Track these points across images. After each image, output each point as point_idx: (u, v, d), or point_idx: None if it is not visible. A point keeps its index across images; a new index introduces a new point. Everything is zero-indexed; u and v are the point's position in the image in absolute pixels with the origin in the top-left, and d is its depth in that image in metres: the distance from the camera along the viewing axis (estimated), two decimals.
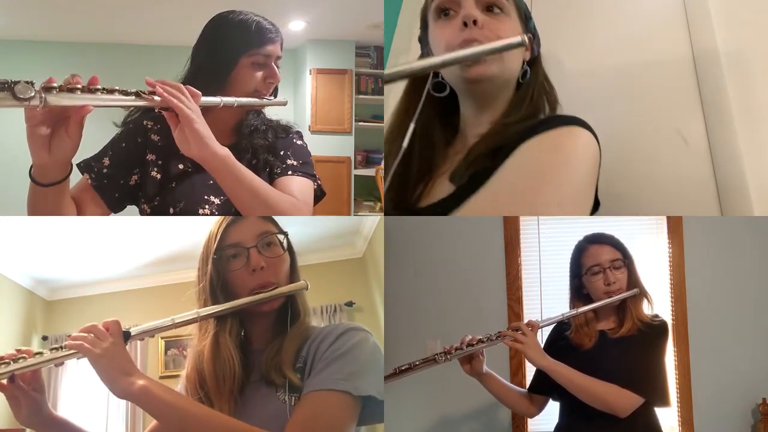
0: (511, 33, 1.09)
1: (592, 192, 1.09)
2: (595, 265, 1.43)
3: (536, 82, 1.19)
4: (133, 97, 1.04)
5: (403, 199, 1.18)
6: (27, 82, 0.90)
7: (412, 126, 1.10)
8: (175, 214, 1.25)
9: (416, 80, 1.21)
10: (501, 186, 1.04)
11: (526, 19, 1.19)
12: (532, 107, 1.16)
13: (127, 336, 0.93)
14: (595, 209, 1.15)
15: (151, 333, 0.97)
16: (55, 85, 0.94)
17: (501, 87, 1.17)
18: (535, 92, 1.18)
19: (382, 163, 2.51)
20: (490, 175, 1.06)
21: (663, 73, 1.57)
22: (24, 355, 0.90)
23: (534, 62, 1.20)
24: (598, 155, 1.08)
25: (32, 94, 0.91)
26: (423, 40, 1.25)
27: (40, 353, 0.91)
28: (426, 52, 1.25)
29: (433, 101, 1.19)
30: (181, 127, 1.07)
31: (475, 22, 1.10)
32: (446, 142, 1.23)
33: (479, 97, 1.18)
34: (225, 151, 1.11)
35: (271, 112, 1.39)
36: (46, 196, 1.11)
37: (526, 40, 1.05)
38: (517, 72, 1.17)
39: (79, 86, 0.97)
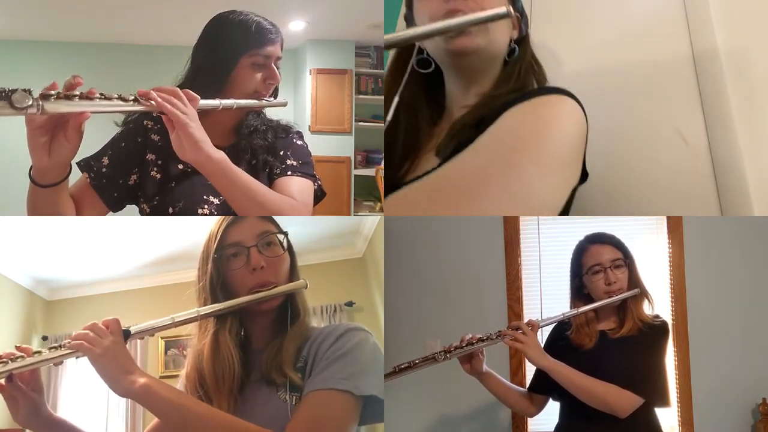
0: (496, 5, 1.07)
1: (577, 161, 1.06)
2: (596, 264, 1.43)
3: (524, 60, 1.18)
4: (132, 103, 1.04)
5: (390, 175, 1.16)
6: (25, 90, 0.90)
7: (396, 99, 1.09)
8: (174, 214, 1.25)
9: (401, 57, 1.21)
10: (478, 152, 1.01)
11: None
12: (520, 83, 1.15)
13: (127, 334, 0.93)
14: (583, 180, 1.12)
15: (151, 332, 0.97)
16: (53, 92, 0.94)
17: (487, 61, 1.15)
18: (522, 69, 1.17)
19: (382, 163, 2.51)
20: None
21: (663, 73, 1.57)
22: (22, 354, 0.90)
23: (522, 41, 1.19)
24: (584, 124, 1.06)
25: (30, 103, 0.91)
26: (408, 17, 1.23)
27: (39, 352, 0.91)
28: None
29: (419, 79, 1.18)
30: (176, 131, 1.07)
31: None
32: (431, 121, 1.22)
33: (465, 71, 1.16)
34: (220, 155, 1.10)
35: (272, 113, 1.38)
36: (45, 196, 1.12)
37: (512, 12, 1.05)
38: (503, 48, 1.15)
39: (77, 93, 0.97)
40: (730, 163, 1.40)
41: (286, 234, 1.09)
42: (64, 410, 3.40)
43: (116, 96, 1.02)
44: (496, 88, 1.15)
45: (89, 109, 0.99)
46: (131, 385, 0.87)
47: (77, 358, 0.91)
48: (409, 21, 1.23)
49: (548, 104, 1.04)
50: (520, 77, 1.15)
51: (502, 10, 1.03)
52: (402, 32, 1.07)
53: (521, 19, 1.19)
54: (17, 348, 0.91)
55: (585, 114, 1.06)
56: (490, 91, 1.15)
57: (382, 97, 1.33)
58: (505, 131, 1.01)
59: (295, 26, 4.10)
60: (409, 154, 1.18)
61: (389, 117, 1.09)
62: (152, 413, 0.91)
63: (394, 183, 1.14)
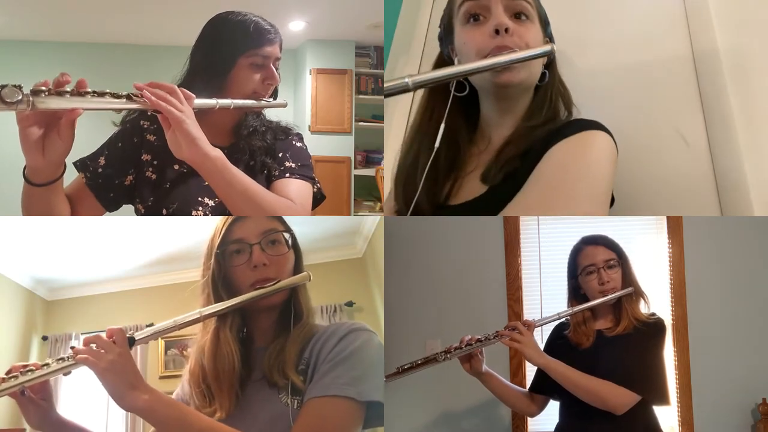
0: (536, 39, 1.19)
1: (611, 190, 1.15)
2: (590, 265, 1.45)
3: (553, 85, 1.26)
4: (124, 100, 1.03)
5: (433, 197, 1.24)
6: (15, 86, 0.90)
7: (443, 126, 1.19)
8: (168, 215, 1.25)
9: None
10: (536, 189, 1.09)
11: (545, 25, 1.26)
12: (552, 110, 1.23)
13: (131, 342, 0.93)
14: (611, 205, 1.21)
15: (154, 336, 0.97)
16: (44, 88, 0.94)
17: (524, 91, 1.23)
18: (553, 94, 1.24)
19: (382, 162, 2.51)
20: (520, 175, 1.13)
21: (663, 73, 1.57)
22: (32, 367, 0.92)
23: (550, 65, 1.25)
24: (616, 156, 1.16)
25: (19, 98, 0.90)
26: (445, 39, 1.30)
27: (47, 364, 0.92)
28: (446, 51, 1.30)
29: (454, 101, 1.23)
30: (172, 129, 1.06)
31: (507, 30, 1.15)
32: (470, 141, 1.30)
33: (503, 99, 1.24)
34: (217, 153, 1.09)
35: (272, 114, 1.38)
36: (40, 195, 1.11)
37: (555, 50, 1.15)
38: (538, 76, 1.23)
39: (68, 90, 0.96)
40: (730, 163, 1.40)
41: (291, 232, 1.08)
42: (65, 414, 3.39)
43: (108, 92, 1.01)
44: (531, 115, 1.23)
45: (81, 105, 0.98)
46: (134, 401, 0.87)
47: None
48: (445, 43, 1.30)
49: (590, 141, 1.12)
50: (552, 103, 1.24)
51: (548, 48, 1.15)
52: (459, 66, 1.16)
53: (550, 42, 1.25)
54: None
55: (616, 144, 1.15)
56: (526, 120, 1.22)
57: (382, 97, 1.35)
58: (557, 169, 1.10)
59: (295, 26, 4.10)
60: (450, 175, 1.26)
61: (437, 143, 1.19)
62: (154, 428, 0.91)
63: (437, 202, 1.24)
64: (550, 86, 1.24)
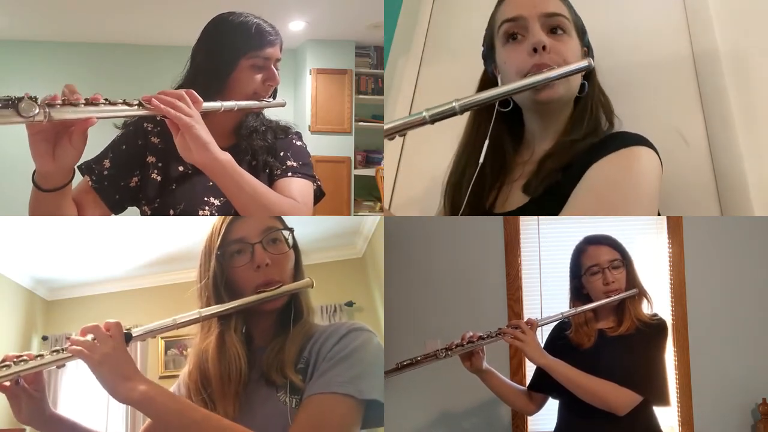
0: (575, 53, 1.21)
1: (657, 203, 1.16)
2: (594, 265, 1.44)
3: (593, 96, 1.27)
4: (137, 108, 1.05)
5: (478, 204, 1.30)
6: (31, 98, 0.91)
7: (486, 143, 1.25)
8: (175, 215, 1.25)
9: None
10: (581, 204, 1.12)
11: (582, 35, 1.28)
12: (593, 122, 1.24)
13: (128, 338, 0.93)
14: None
15: (152, 334, 0.96)
16: (58, 102, 0.95)
17: (564, 105, 1.26)
18: (593, 106, 1.26)
19: (382, 162, 2.51)
20: (561, 187, 1.15)
21: (663, 73, 1.57)
22: (25, 357, 0.90)
23: (590, 76, 1.27)
24: (661, 172, 1.17)
25: (36, 111, 0.91)
26: (488, 57, 1.35)
27: (41, 356, 0.91)
28: (491, 70, 1.34)
29: (499, 115, 1.28)
30: (182, 133, 1.07)
31: (544, 48, 1.18)
32: (514, 151, 1.35)
33: (544, 114, 1.27)
34: (226, 156, 1.10)
35: (270, 113, 1.38)
36: (48, 200, 1.11)
37: (592, 64, 1.17)
38: (577, 88, 1.25)
39: (82, 100, 0.97)
40: (730, 163, 1.40)
41: (291, 231, 1.08)
42: (65, 410, 3.39)
43: (121, 101, 1.02)
44: (572, 126, 1.25)
45: (95, 114, 0.99)
46: (130, 392, 0.87)
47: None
48: (489, 61, 1.34)
49: (636, 157, 1.13)
50: (593, 114, 1.25)
51: (585, 64, 1.17)
52: (499, 89, 1.17)
53: (588, 52, 1.29)
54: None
55: (660, 160, 1.16)
56: (567, 132, 1.24)
57: (382, 98, 1.37)
58: (600, 187, 1.12)
59: (295, 26, 4.10)
60: (495, 184, 1.32)
61: (481, 159, 1.25)
62: (151, 419, 0.91)
63: (482, 210, 1.30)
64: (590, 98, 1.26)
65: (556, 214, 1.14)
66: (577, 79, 1.24)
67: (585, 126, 1.23)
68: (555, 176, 1.18)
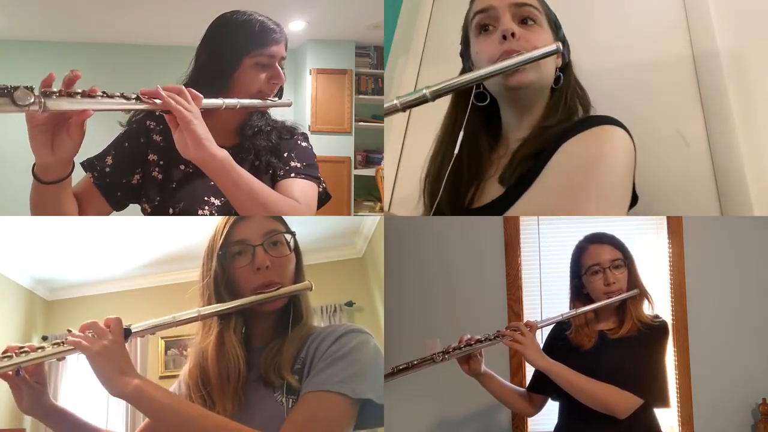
0: (545, 42, 1.20)
1: (629, 188, 1.14)
2: (595, 264, 1.43)
3: (569, 87, 1.28)
4: (134, 101, 1.04)
5: (456, 201, 1.29)
6: (27, 88, 0.91)
7: (461, 134, 1.24)
8: (174, 214, 1.25)
9: (460, 92, 1.28)
10: (545, 186, 1.11)
11: (556, 28, 1.28)
12: (567, 110, 1.25)
13: (127, 333, 0.94)
14: (633, 204, 1.21)
15: (152, 330, 0.97)
16: (54, 89, 0.95)
17: (538, 93, 1.25)
18: (568, 96, 1.26)
19: (382, 162, 2.51)
20: (535, 175, 1.14)
21: (663, 73, 1.58)
22: (26, 349, 0.92)
23: (566, 68, 1.28)
24: (633, 152, 1.14)
25: (32, 100, 0.91)
26: (464, 54, 1.35)
27: (42, 348, 0.93)
28: (467, 66, 1.34)
29: (476, 111, 1.28)
30: (180, 129, 1.07)
31: (513, 34, 1.18)
32: (490, 148, 1.34)
33: (519, 103, 1.27)
34: (223, 153, 1.10)
35: (277, 113, 1.38)
36: (48, 193, 1.12)
37: (561, 48, 1.16)
38: (551, 78, 1.25)
39: (79, 91, 0.97)
40: (730, 163, 1.40)
41: (293, 234, 1.08)
42: (65, 405, 3.39)
43: (118, 94, 1.02)
44: (547, 116, 1.24)
45: (91, 106, 0.99)
46: (124, 386, 0.88)
47: (79, 355, 0.92)
48: (465, 58, 1.35)
49: (602, 136, 1.12)
50: (567, 104, 1.25)
51: (553, 47, 1.16)
52: (470, 74, 1.17)
53: (564, 46, 1.28)
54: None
55: (633, 141, 1.14)
56: (542, 121, 1.24)
57: (382, 98, 1.37)
58: (566, 165, 1.11)
59: (295, 26, 4.10)
60: (473, 181, 1.31)
61: (456, 150, 1.24)
62: (145, 415, 0.91)
63: (460, 207, 1.29)
64: (565, 88, 1.26)
65: None
66: (550, 68, 1.23)
67: (560, 114, 1.23)
68: (527, 163, 1.17)
